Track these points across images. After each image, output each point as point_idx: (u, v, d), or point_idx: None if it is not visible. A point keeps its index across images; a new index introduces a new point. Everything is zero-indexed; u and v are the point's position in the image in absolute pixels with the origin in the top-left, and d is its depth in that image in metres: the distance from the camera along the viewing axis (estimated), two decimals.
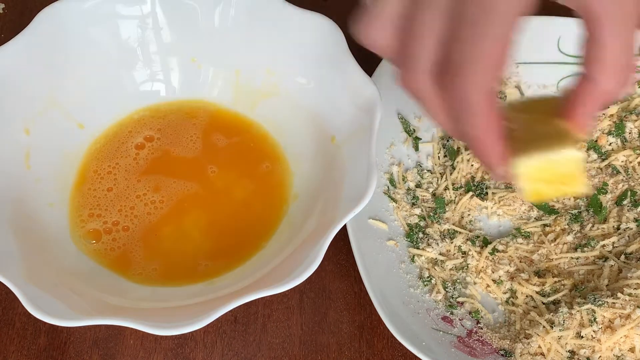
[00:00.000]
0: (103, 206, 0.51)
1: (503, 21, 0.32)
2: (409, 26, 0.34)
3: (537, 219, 0.54)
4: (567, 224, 0.53)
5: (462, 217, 0.55)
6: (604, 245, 0.52)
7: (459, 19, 0.32)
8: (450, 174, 0.56)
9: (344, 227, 0.49)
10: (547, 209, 0.54)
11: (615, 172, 0.55)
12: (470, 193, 0.55)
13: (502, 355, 0.48)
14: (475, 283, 0.52)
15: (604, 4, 0.33)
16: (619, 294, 0.48)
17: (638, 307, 0.47)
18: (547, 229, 0.54)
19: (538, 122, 0.40)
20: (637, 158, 0.55)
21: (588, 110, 0.37)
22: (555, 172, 0.39)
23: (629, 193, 0.54)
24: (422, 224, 0.54)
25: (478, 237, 0.54)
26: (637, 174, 0.55)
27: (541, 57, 0.59)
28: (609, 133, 0.56)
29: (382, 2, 0.35)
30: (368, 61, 0.53)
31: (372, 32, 0.36)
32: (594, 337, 0.47)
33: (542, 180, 0.39)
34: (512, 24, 0.32)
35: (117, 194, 0.52)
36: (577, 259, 0.52)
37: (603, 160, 0.56)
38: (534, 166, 0.38)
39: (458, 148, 0.57)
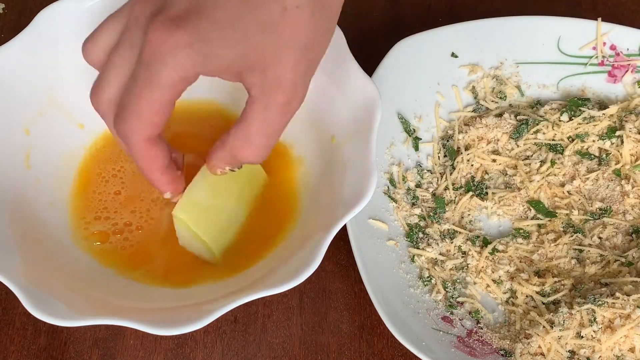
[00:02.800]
0: (112, 209, 0.51)
1: (162, 88, 0.37)
2: (109, 60, 0.40)
3: (533, 218, 0.54)
4: (562, 228, 0.54)
5: (462, 217, 0.55)
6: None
7: (134, 74, 0.38)
8: (450, 174, 0.56)
9: (344, 227, 0.49)
10: (544, 211, 0.54)
11: (616, 175, 0.55)
12: (470, 193, 0.55)
13: (502, 355, 0.48)
14: (475, 283, 0.52)
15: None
16: (618, 294, 0.48)
17: (638, 307, 0.47)
18: (544, 229, 0.54)
19: None
20: (636, 160, 0.55)
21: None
22: None
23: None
24: (422, 224, 0.54)
25: (478, 237, 0.54)
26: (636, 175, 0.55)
27: (541, 57, 0.59)
28: (608, 134, 0.56)
29: (101, 29, 0.41)
30: (368, 61, 0.53)
31: (90, 50, 0.42)
32: (594, 337, 0.47)
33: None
34: (171, 91, 0.38)
35: (126, 196, 0.52)
36: (579, 251, 0.52)
37: (601, 162, 0.56)
38: None
39: (458, 148, 0.57)
